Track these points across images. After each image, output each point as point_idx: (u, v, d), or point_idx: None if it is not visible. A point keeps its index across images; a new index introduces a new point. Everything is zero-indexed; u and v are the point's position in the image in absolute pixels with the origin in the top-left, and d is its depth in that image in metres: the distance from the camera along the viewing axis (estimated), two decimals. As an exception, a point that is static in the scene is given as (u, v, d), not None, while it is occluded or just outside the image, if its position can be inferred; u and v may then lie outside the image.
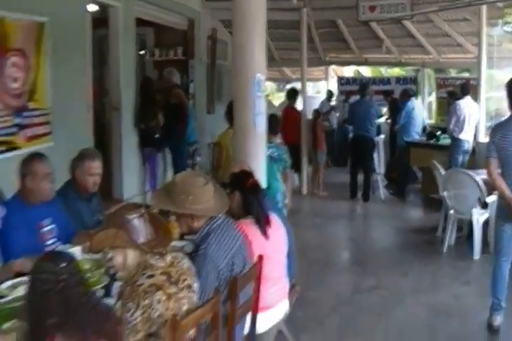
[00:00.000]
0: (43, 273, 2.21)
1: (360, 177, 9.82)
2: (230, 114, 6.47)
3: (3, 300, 3.18)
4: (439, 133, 9.94)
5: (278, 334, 4.28)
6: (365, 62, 14.38)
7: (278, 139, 6.73)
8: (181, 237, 4.03)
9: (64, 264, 2.24)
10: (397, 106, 10.79)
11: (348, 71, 17.48)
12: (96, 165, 4.36)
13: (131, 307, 2.60)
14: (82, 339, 2.18)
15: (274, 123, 6.21)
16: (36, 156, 4.04)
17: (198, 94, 10.40)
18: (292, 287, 4.18)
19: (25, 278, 3.34)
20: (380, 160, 10.21)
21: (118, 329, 2.42)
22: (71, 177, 4.38)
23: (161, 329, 2.65)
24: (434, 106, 13.48)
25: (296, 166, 9.17)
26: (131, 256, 2.77)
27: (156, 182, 8.46)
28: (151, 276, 2.69)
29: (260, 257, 3.42)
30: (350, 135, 10.68)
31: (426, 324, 5.07)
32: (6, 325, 2.77)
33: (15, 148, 5.41)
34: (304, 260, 4.29)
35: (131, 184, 7.80)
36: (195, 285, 2.87)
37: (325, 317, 5.25)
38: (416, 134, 10.15)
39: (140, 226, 2.81)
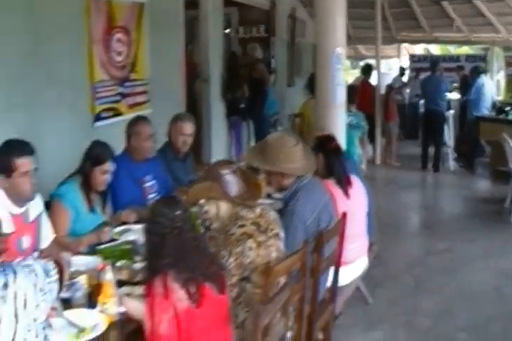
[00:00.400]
0: (161, 218, 2.30)
1: (431, 149, 9.62)
2: (311, 86, 6.48)
3: (114, 243, 3.37)
4: (508, 108, 9.60)
5: (356, 289, 4.31)
6: (435, 41, 13.98)
7: (354, 108, 6.66)
8: (268, 196, 4.10)
9: (179, 212, 2.32)
10: (467, 83, 10.50)
11: (418, 49, 17.09)
12: (187, 126, 4.43)
13: (225, 254, 2.67)
14: (191, 278, 2.26)
15: (352, 93, 6.15)
16: (141, 119, 4.19)
17: (279, 68, 10.41)
18: (370, 245, 4.16)
19: (131, 226, 3.51)
20: (450, 133, 9.95)
21: (221, 274, 2.49)
22: (168, 140, 4.49)
23: (252, 274, 2.71)
24: (502, 83, 13.05)
25: (371, 137, 9.07)
26: (224, 208, 2.81)
27: (240, 148, 8.54)
28: (242, 226, 2.74)
29: (344, 214, 3.41)
30: (421, 109, 10.48)
31: (494, 287, 4.99)
32: (119, 263, 2.89)
33: (119, 114, 5.59)
34: (378, 223, 4.30)
35: (218, 149, 7.92)
36: (282, 234, 2.90)
37: (399, 276, 5.23)
38: (485, 109, 9.83)
39: (233, 181, 2.85)
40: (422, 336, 4.19)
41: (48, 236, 3.23)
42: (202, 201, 2.84)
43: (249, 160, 3.34)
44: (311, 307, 3.11)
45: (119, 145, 4.02)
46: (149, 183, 4.14)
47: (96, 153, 3.52)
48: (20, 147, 2.90)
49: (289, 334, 2.82)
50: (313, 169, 3.45)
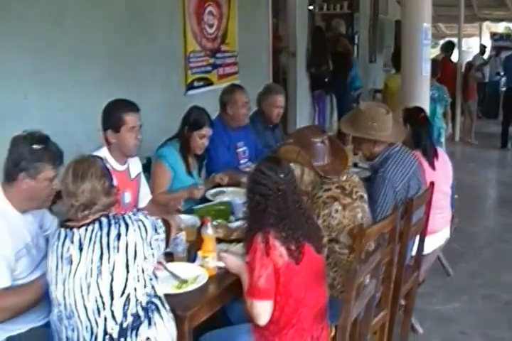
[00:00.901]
0: (265, 180, 2.30)
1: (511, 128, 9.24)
2: (395, 61, 6.36)
3: (209, 203, 3.45)
4: None
5: (436, 261, 4.23)
6: (518, 19, 13.36)
7: (436, 82, 6.48)
8: (355, 165, 4.07)
9: (283, 175, 2.31)
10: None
11: (499, 28, 16.42)
12: (281, 99, 4.44)
13: (313, 216, 2.64)
14: (291, 236, 2.27)
15: (434, 67, 5.98)
16: (237, 87, 4.24)
17: (362, 44, 10.28)
18: (452, 218, 4.08)
19: (225, 189, 3.61)
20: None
21: (319, 234, 2.49)
22: (258, 109, 4.50)
23: (339, 234, 2.71)
24: None
25: (451, 114, 8.79)
26: (307, 174, 2.79)
27: (324, 121, 8.50)
28: (328, 190, 2.74)
29: (432, 183, 3.33)
30: (502, 88, 10.06)
31: None
32: (215, 222, 2.97)
33: (210, 84, 5.67)
34: (458, 198, 4.19)
35: (303, 121, 7.90)
36: (365, 196, 2.89)
37: (479, 250, 5.08)
38: None
39: (321, 150, 2.81)
40: (500, 309, 4.07)
41: (146, 195, 3.33)
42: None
43: (344, 128, 3.31)
44: (398, 271, 3.09)
45: (210, 113, 4.06)
46: (241, 149, 4.21)
47: (194, 118, 3.56)
48: (128, 104, 3.03)
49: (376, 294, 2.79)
50: (403, 137, 3.41)
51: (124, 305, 2.05)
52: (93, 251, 2.05)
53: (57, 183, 2.37)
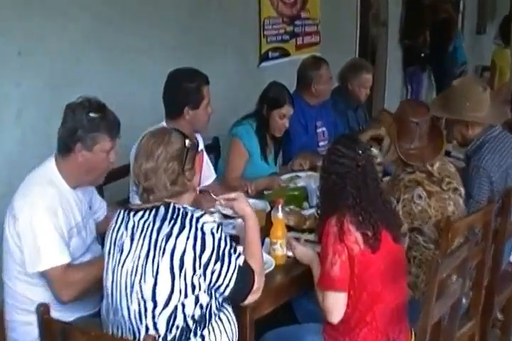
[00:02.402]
0: (343, 158, 2.45)
1: None
2: (504, 31, 6.27)
3: (282, 187, 3.65)
4: None
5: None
6: None
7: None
8: (447, 154, 4.13)
9: (361, 151, 2.46)
10: None
11: None
12: (370, 78, 4.63)
13: (392, 200, 2.80)
14: (368, 221, 2.40)
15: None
16: (321, 60, 4.46)
17: (468, 11, 9.96)
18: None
19: (300, 173, 3.84)
20: None
21: (398, 221, 2.63)
22: (341, 86, 4.68)
23: (424, 225, 2.85)
24: None
25: None
26: (392, 151, 2.96)
27: (419, 103, 8.38)
28: (411, 173, 2.90)
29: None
30: None
31: None
32: (287, 209, 3.16)
33: (286, 55, 5.82)
34: None
35: (391, 102, 7.76)
36: (462, 190, 2.98)
37: None
38: None
39: (413, 131, 2.93)
40: None
41: (208, 177, 3.55)
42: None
43: (433, 109, 3.30)
44: (492, 276, 3.12)
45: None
46: (321, 129, 4.42)
47: (273, 96, 3.78)
48: (203, 76, 3.25)
49: (464, 300, 2.84)
50: (503, 119, 3.45)
51: (169, 319, 2.09)
52: (142, 245, 2.10)
53: (113, 157, 2.54)
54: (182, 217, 2.10)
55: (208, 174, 3.52)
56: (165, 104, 3.24)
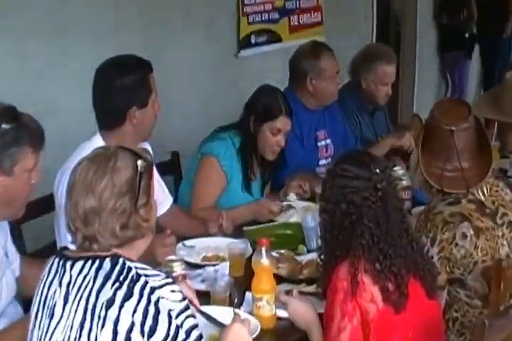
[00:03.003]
0: (354, 180, 2.46)
1: None
2: None
3: (270, 224, 3.70)
4: None
5: None
6: None
7: None
8: (502, 173, 4.15)
9: (379, 170, 2.48)
10: None
11: None
12: (392, 71, 4.67)
13: (425, 241, 2.81)
14: (389, 270, 2.40)
15: None
16: (323, 47, 4.47)
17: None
18: None
19: (293, 202, 3.87)
20: None
21: (432, 270, 2.60)
22: (352, 82, 4.77)
23: (468, 274, 2.84)
24: None
25: None
26: (420, 171, 2.98)
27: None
28: (453, 203, 2.88)
29: None
30: None
31: None
32: (275, 253, 3.18)
33: (276, 41, 5.87)
34: None
35: (425, 101, 7.76)
36: None
37: None
38: None
39: (450, 144, 2.91)
40: None
41: (165, 199, 3.58)
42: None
43: (477, 110, 3.31)
44: None
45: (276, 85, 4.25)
46: (324, 142, 4.48)
47: (265, 105, 3.81)
48: (144, 61, 3.30)
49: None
50: None
51: None
52: (76, 311, 2.09)
53: (36, 176, 2.58)
54: (131, 281, 2.07)
55: (161, 198, 3.43)
56: (99, 112, 3.25)
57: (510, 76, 3.51)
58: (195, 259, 3.18)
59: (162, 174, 3.66)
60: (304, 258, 3.24)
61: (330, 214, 2.51)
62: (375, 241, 2.42)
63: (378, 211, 2.44)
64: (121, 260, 2.11)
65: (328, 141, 4.48)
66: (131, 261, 2.14)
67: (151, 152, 3.25)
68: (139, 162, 2.18)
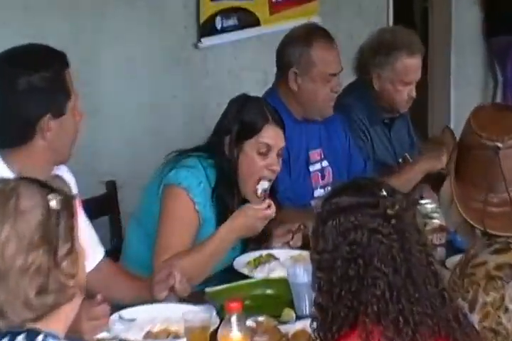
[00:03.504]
0: (357, 210, 2.44)
1: None
2: None
3: (243, 281, 3.70)
4: None
5: None
6: None
7: None
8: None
9: (386, 193, 2.46)
10: None
11: None
12: (417, 65, 4.74)
13: (461, 304, 2.72)
14: (412, 332, 2.36)
15: None
16: (320, 31, 4.49)
17: None
18: None
19: (275, 250, 3.92)
20: None
21: (472, 334, 2.54)
22: (361, 80, 4.84)
23: None
24: None
25: None
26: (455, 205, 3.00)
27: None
28: (502, 250, 2.85)
29: None
30: None
31: None
32: (250, 322, 3.16)
33: (251, 25, 5.90)
34: None
35: (466, 106, 7.57)
36: None
37: None
38: None
39: (497, 167, 2.86)
40: None
41: (94, 251, 3.52)
42: None
43: None
44: None
45: (253, 91, 4.34)
46: (319, 165, 4.48)
47: (242, 119, 3.79)
48: (58, 52, 3.32)
49: None
50: None
51: None
52: None
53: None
54: None
55: (88, 250, 3.40)
56: None
57: None
58: (137, 336, 3.11)
59: (93, 213, 3.65)
60: (292, 327, 3.21)
61: (327, 269, 2.47)
62: (394, 293, 2.39)
63: (394, 247, 2.41)
64: (40, 337, 2.08)
65: (325, 163, 4.49)
66: (57, 338, 2.12)
67: (71, 180, 3.33)
68: (51, 196, 2.13)
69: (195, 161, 3.81)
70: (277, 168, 3.81)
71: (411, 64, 4.67)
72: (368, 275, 2.39)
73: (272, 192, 3.89)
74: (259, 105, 3.85)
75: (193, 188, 3.73)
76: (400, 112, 4.81)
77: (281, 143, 3.81)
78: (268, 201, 3.68)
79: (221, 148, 3.78)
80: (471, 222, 2.88)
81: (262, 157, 3.75)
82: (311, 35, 4.39)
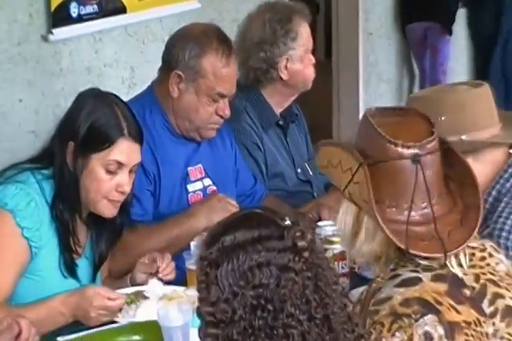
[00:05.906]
0: (260, 245, 2.38)
1: None
2: None
3: (109, 326, 3.58)
4: None
5: None
6: None
7: None
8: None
9: (289, 220, 2.41)
10: None
11: None
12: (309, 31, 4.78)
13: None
14: None
15: None
16: (222, 41, 4.34)
17: None
18: None
19: (150, 287, 3.79)
20: None
21: None
22: (245, 76, 4.79)
23: None
24: None
25: None
26: (371, 230, 2.91)
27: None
28: (409, 282, 2.83)
29: None
30: None
31: None
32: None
33: (117, 12, 5.81)
34: None
35: (378, 101, 8.06)
36: None
37: None
38: None
39: (411, 179, 2.82)
40: None
41: None
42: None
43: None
44: None
45: (118, 91, 4.33)
46: (200, 183, 4.40)
47: (90, 124, 3.68)
48: None
49: None
50: None
51: None
52: None
53: None
54: None
55: None
56: None
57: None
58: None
59: None
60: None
61: (225, 323, 2.38)
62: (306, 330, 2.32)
63: (308, 288, 2.36)
64: None
65: (208, 181, 4.43)
66: None
67: None
68: None
69: (26, 175, 3.70)
70: (128, 188, 3.71)
71: (305, 31, 4.81)
72: (278, 324, 2.34)
73: (125, 215, 3.87)
74: (113, 112, 3.73)
75: (18, 210, 3.61)
76: (308, 88, 4.85)
77: (137, 159, 3.74)
78: (123, 297, 3.62)
79: (62, 155, 3.67)
80: (402, 247, 2.82)
81: (110, 176, 3.67)
82: (209, 41, 4.33)
